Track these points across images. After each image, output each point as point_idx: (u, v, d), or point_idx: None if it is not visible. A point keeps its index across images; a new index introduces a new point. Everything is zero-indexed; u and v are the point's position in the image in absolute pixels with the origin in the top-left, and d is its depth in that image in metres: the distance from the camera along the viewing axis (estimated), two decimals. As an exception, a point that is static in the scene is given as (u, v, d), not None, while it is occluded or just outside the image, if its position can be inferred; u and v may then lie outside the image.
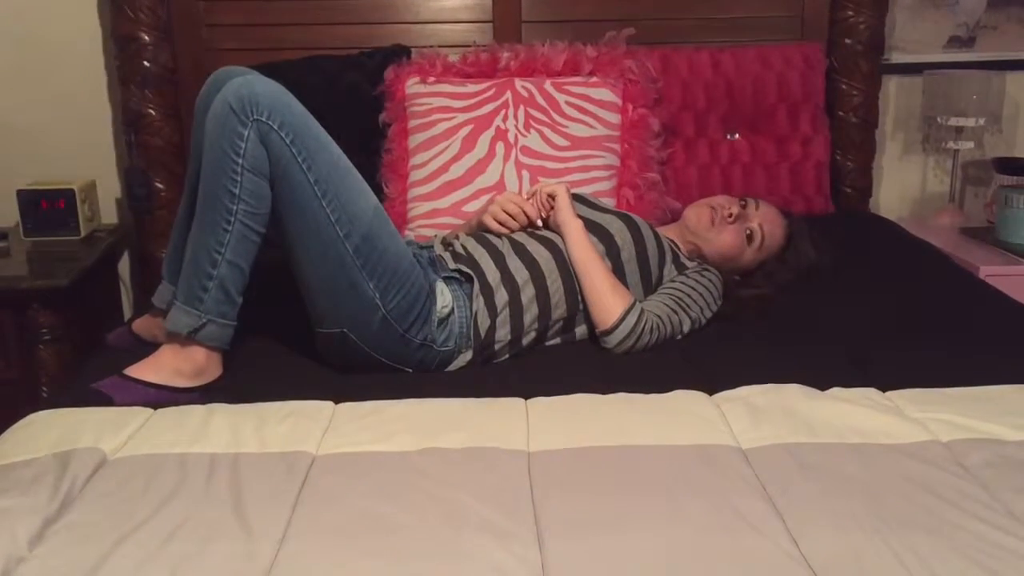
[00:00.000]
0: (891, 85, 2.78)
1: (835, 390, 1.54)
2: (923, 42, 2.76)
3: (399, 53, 2.47)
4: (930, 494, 1.21)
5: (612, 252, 1.85)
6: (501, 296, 1.76)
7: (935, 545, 1.10)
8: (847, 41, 2.57)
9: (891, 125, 2.83)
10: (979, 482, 1.24)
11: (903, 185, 2.88)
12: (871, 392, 1.53)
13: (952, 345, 1.75)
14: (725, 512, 1.17)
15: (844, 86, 2.59)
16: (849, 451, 1.33)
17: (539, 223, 1.92)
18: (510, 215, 1.92)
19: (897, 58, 2.74)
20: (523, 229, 1.92)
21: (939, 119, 2.69)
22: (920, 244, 2.37)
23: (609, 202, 2.23)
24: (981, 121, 2.64)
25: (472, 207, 2.22)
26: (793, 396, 1.51)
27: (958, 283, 2.12)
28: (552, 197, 1.91)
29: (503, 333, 1.76)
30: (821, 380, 1.56)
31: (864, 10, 2.54)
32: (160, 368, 1.61)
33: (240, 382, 1.64)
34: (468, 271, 1.79)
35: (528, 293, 1.78)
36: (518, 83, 2.35)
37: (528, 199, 1.95)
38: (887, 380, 1.57)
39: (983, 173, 2.85)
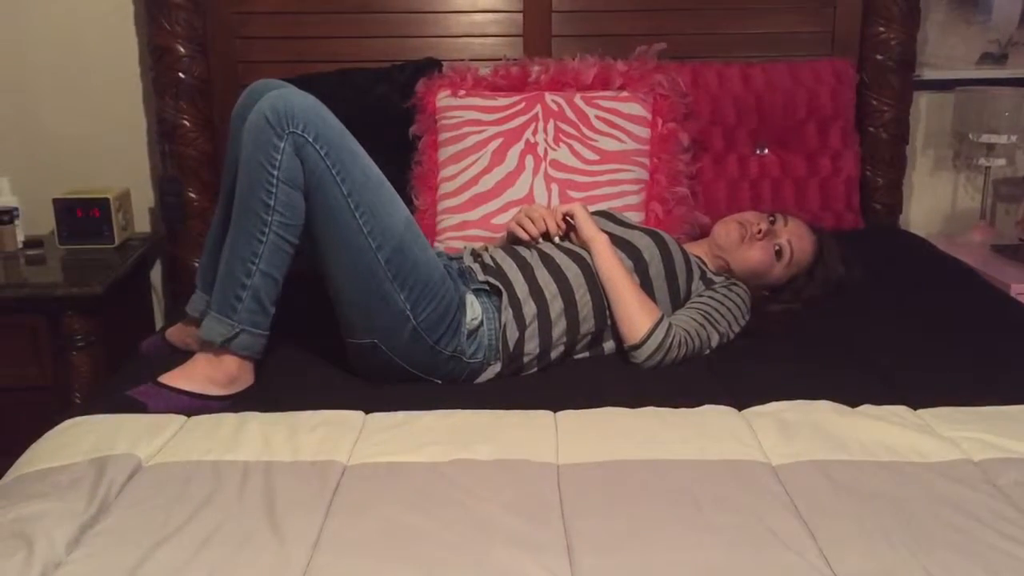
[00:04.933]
0: (922, 101, 2.77)
1: (865, 407, 1.53)
2: (955, 58, 2.75)
3: (430, 66, 2.48)
4: (961, 513, 1.20)
5: (640, 267, 1.85)
6: (530, 309, 1.77)
7: (966, 564, 1.09)
8: (878, 57, 2.56)
9: (922, 141, 2.82)
10: (1011, 502, 1.24)
11: (933, 201, 2.87)
12: (901, 410, 1.52)
13: (983, 363, 1.73)
14: (755, 528, 1.17)
15: (875, 102, 2.58)
16: (880, 469, 1.33)
17: (556, 239, 1.92)
18: (532, 221, 1.92)
19: (928, 74, 2.73)
20: (546, 237, 1.93)
21: (970, 136, 2.68)
22: (950, 261, 2.36)
23: (636, 217, 2.24)
24: (1013, 138, 2.62)
25: (501, 220, 2.23)
26: (823, 412, 1.51)
27: (989, 301, 2.10)
28: (569, 216, 1.92)
29: (532, 346, 1.77)
30: (851, 397, 1.56)
31: (895, 26, 2.53)
32: (193, 376, 1.63)
33: (272, 391, 1.66)
34: (497, 283, 1.80)
35: (557, 307, 1.78)
36: (548, 97, 2.36)
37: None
38: (918, 398, 1.56)
39: (1015, 190, 2.82)
